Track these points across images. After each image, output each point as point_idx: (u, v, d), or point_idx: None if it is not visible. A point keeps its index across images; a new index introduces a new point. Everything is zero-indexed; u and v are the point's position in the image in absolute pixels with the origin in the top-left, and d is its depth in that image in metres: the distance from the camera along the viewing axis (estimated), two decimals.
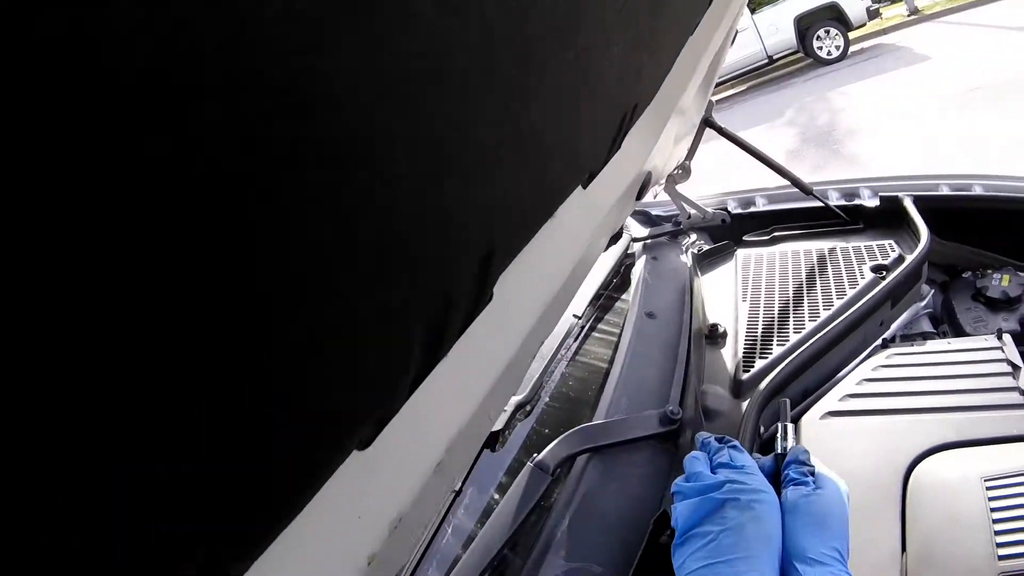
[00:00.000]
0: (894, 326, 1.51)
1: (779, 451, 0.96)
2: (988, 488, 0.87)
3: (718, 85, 10.25)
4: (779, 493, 0.86)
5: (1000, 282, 1.59)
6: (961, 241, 1.77)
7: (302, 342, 0.34)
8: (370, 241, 0.37)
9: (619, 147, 0.80)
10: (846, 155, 6.08)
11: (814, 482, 0.87)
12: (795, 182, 1.75)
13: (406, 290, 0.41)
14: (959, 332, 1.56)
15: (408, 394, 0.46)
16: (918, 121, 5.93)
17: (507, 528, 0.93)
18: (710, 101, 1.65)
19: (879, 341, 1.41)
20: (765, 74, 10.45)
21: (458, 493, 1.02)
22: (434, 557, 0.95)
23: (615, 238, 1.28)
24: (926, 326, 1.61)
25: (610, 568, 0.92)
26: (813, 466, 0.89)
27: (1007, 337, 1.22)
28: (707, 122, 1.70)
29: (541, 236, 0.62)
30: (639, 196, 1.19)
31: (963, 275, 1.68)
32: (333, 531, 0.43)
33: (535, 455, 1.03)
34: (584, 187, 0.71)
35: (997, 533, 0.82)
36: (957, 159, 4.60)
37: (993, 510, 0.84)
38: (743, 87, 10.53)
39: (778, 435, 0.99)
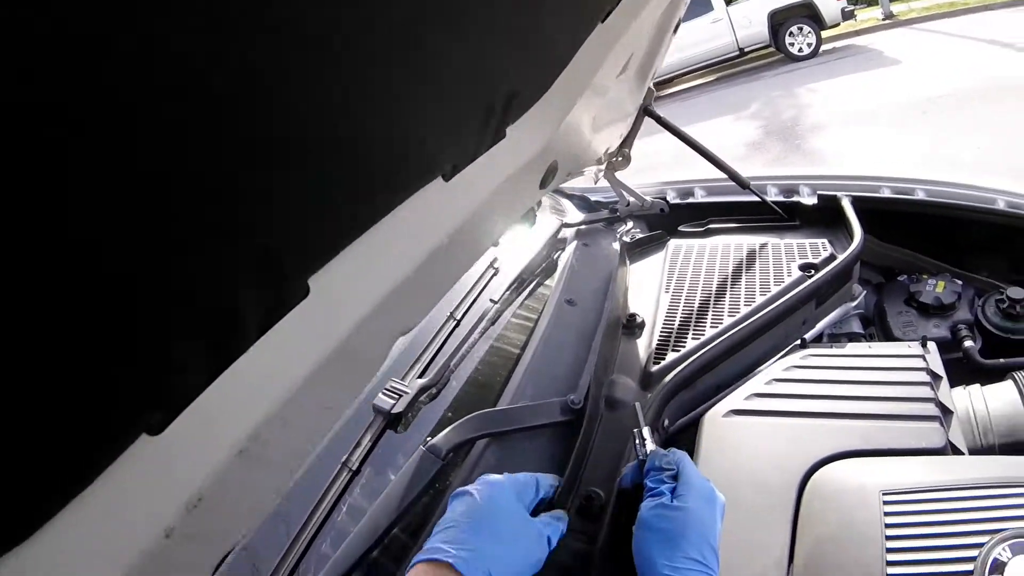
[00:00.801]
0: (820, 325, 1.48)
1: (640, 457, 0.92)
2: (886, 502, 0.83)
3: (686, 74, 10.33)
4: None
5: (935, 288, 1.57)
6: (901, 244, 1.75)
7: (95, 328, 0.38)
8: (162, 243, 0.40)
9: (502, 136, 0.81)
10: (808, 150, 6.11)
11: (672, 491, 0.83)
12: (732, 176, 1.71)
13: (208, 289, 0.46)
14: (888, 335, 1.54)
15: (204, 386, 0.49)
16: (881, 124, 5.98)
17: (394, 510, 0.92)
18: (650, 89, 1.60)
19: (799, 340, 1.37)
20: (735, 66, 10.45)
21: (356, 473, 1.00)
22: (329, 534, 0.94)
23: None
24: (856, 327, 1.58)
25: None
26: (674, 469, 0.86)
27: (932, 345, 1.19)
28: (646, 111, 1.64)
29: (381, 230, 0.65)
30: (544, 184, 1.14)
31: (899, 278, 1.66)
32: (125, 505, 0.47)
33: (428, 439, 1.01)
34: (446, 179, 0.73)
35: (889, 551, 0.78)
36: (911, 163, 4.66)
37: (888, 526, 0.81)
38: (712, 77, 10.54)
39: (636, 442, 0.95)
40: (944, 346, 1.45)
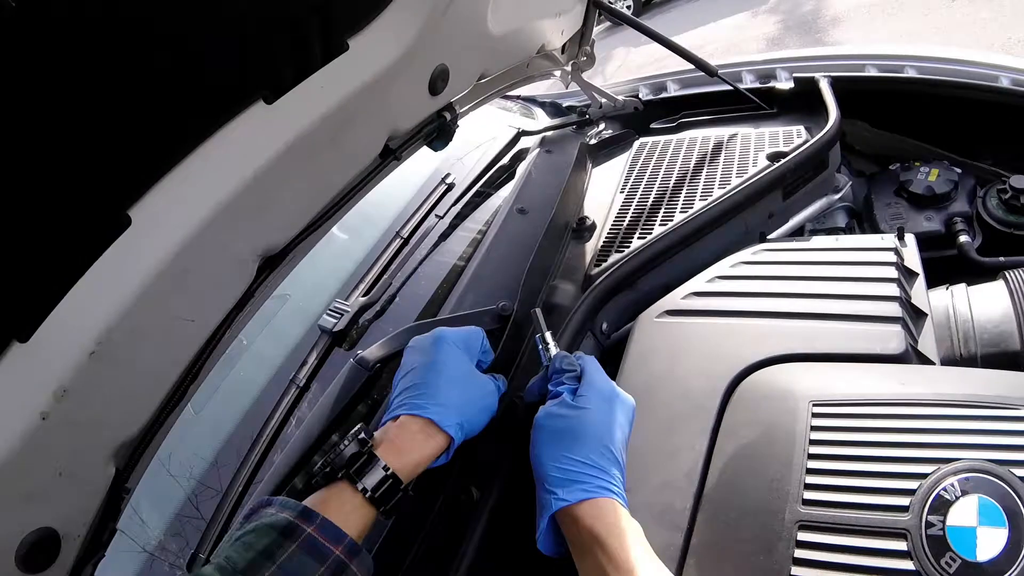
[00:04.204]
0: (798, 218, 1.37)
1: (544, 363, 0.87)
2: (815, 414, 0.73)
3: None
4: None
5: (927, 176, 1.43)
6: (896, 130, 1.61)
7: None
8: None
9: (343, 48, 0.83)
10: (828, 43, 5.81)
11: (572, 391, 0.79)
12: (698, 64, 1.57)
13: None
14: (875, 230, 1.42)
15: (53, 303, 0.62)
16: (906, 13, 5.63)
17: (326, 418, 0.98)
18: None
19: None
20: None
21: (305, 389, 1.05)
22: (280, 446, 0.99)
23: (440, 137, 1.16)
24: (840, 220, 1.47)
25: None
26: (576, 371, 0.82)
27: (910, 238, 1.06)
28: (595, 2, 1.51)
29: (198, 157, 0.72)
30: (435, 91, 1.08)
31: (890, 167, 1.53)
32: (4, 395, 0.61)
33: (358, 352, 1.05)
34: (269, 102, 0.77)
35: (810, 471, 0.68)
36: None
37: (813, 441, 0.71)
38: None
39: (539, 348, 0.91)
40: (937, 241, 1.34)
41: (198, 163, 0.71)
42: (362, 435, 0.74)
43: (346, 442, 0.73)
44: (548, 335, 0.90)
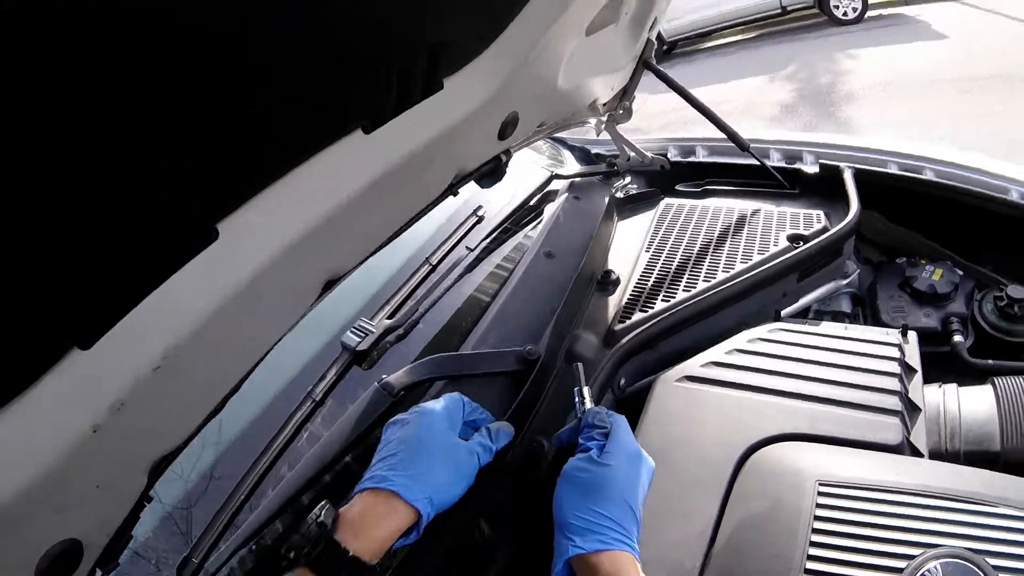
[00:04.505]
0: (806, 299, 1.44)
1: (579, 415, 0.92)
2: (820, 492, 0.81)
3: (724, 28, 10.00)
4: None
5: (931, 275, 1.51)
6: (907, 225, 1.68)
7: (40, 260, 0.48)
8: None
9: (438, 87, 0.85)
10: (840, 119, 5.95)
11: (601, 448, 0.84)
12: (732, 136, 1.64)
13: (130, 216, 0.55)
14: (876, 319, 1.50)
15: (124, 311, 0.59)
16: (919, 98, 5.75)
17: (344, 439, 0.99)
18: (650, 41, 1.52)
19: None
20: (776, 24, 10.07)
21: (319, 404, 1.03)
22: (289, 458, 0.98)
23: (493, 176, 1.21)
24: (845, 305, 1.54)
25: None
26: (606, 428, 0.86)
27: (912, 335, 1.14)
28: (645, 63, 1.58)
29: (292, 180, 0.71)
30: (503, 135, 1.13)
31: (897, 260, 1.60)
32: (56, 404, 0.57)
33: (383, 376, 1.05)
34: (367, 132, 0.78)
35: (813, 544, 0.76)
36: (942, 142, 4.51)
37: (817, 517, 0.78)
38: (752, 34, 10.16)
39: (576, 400, 0.95)
40: (932, 337, 1.41)
41: (291, 185, 0.71)
42: (321, 517, 0.73)
43: (309, 521, 0.73)
44: (586, 390, 0.95)
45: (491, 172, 1.21)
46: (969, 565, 0.69)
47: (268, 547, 0.92)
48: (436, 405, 0.89)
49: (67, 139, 0.44)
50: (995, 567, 0.69)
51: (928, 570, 0.69)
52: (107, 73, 0.44)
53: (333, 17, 0.61)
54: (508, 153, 1.21)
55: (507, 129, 1.12)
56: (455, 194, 1.12)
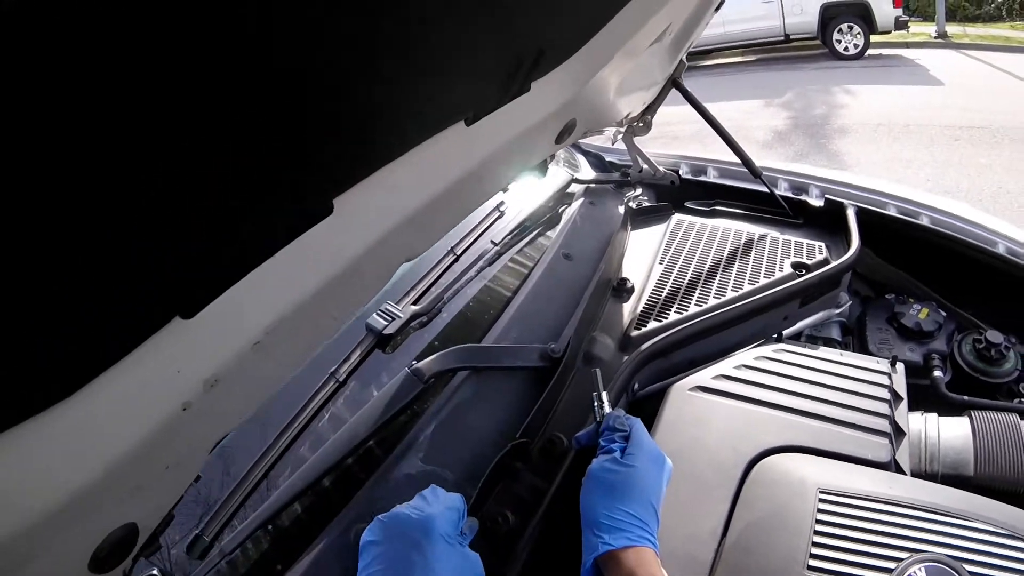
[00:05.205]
0: (801, 324, 1.52)
1: (598, 419, 0.98)
2: (821, 500, 0.90)
3: (726, 49, 10.12)
4: None
5: (918, 314, 1.61)
6: (897, 264, 1.78)
7: (152, 234, 0.45)
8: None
9: (526, 89, 0.86)
10: (831, 151, 6.08)
11: (623, 450, 0.90)
12: (746, 162, 1.73)
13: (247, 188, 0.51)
14: (863, 348, 1.59)
15: (233, 281, 0.55)
16: (910, 141, 5.92)
17: (373, 423, 1.00)
18: (682, 61, 1.60)
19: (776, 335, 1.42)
20: (777, 51, 10.23)
21: (342, 384, 1.05)
22: (309, 437, 1.00)
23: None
24: (835, 333, 1.63)
25: (461, 477, 0.99)
26: (627, 431, 0.92)
27: (900, 367, 1.24)
28: (674, 82, 1.65)
29: (402, 163, 0.71)
30: (560, 140, 1.18)
31: (886, 296, 1.71)
32: (151, 379, 0.54)
33: (414, 362, 1.07)
34: (468, 124, 0.79)
35: (814, 544, 0.84)
36: (926, 186, 4.65)
37: (819, 522, 0.87)
38: (752, 57, 10.32)
39: (595, 404, 1.01)
40: (914, 370, 1.51)
41: (401, 168, 0.71)
42: None
43: None
44: (604, 394, 1.01)
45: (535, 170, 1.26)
46: (949, 570, 0.78)
47: (286, 529, 0.93)
48: (439, 519, 0.78)
49: (206, 114, 0.43)
50: (971, 574, 0.78)
51: (912, 572, 0.79)
52: (249, 66, 0.43)
53: (467, 14, 0.62)
54: (554, 155, 1.27)
55: (564, 135, 1.17)
56: (505, 189, 1.17)
